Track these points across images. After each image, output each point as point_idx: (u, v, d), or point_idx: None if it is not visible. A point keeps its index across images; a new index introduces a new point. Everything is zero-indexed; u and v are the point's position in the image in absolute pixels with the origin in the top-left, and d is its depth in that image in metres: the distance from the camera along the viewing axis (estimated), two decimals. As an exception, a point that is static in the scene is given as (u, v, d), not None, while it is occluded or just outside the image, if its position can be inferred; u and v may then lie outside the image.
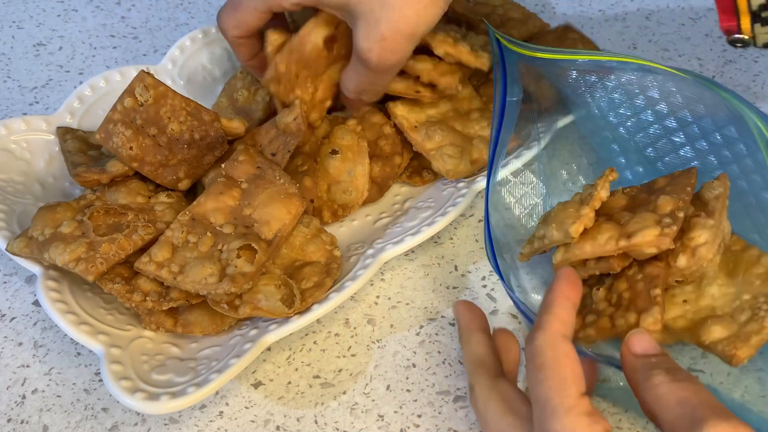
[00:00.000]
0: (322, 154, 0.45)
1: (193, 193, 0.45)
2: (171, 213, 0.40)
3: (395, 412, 0.37)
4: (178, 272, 0.37)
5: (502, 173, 0.44)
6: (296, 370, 0.39)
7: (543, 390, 0.29)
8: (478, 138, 0.46)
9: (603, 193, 0.37)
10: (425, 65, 0.45)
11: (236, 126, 0.44)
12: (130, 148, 0.40)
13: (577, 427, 0.27)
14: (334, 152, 0.45)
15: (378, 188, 0.46)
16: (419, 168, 0.48)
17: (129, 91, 0.41)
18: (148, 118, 0.41)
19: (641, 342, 0.31)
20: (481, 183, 0.44)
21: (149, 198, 0.42)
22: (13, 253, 0.38)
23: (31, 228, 0.39)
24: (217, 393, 0.38)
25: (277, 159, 0.43)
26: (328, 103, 0.45)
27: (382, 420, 0.37)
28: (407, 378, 0.38)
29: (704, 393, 0.28)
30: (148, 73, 0.41)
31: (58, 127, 0.46)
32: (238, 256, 0.37)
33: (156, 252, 0.38)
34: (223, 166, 0.42)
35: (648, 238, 0.34)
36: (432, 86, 0.45)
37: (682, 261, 0.35)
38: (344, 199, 0.45)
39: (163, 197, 0.42)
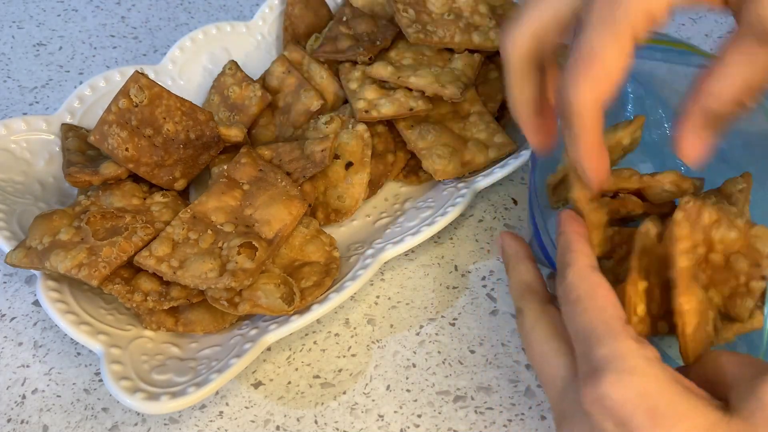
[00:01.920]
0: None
1: (186, 192, 0.45)
2: (168, 212, 0.41)
3: (395, 412, 0.37)
4: (178, 267, 0.37)
5: (499, 173, 0.44)
6: (296, 370, 0.39)
7: (583, 321, 0.27)
8: (473, 140, 0.46)
9: (626, 140, 0.36)
10: (427, 79, 0.45)
11: (235, 134, 0.44)
12: (126, 150, 0.40)
13: (626, 352, 0.26)
14: (336, 157, 0.45)
15: (371, 185, 0.46)
16: (416, 167, 0.48)
17: (124, 92, 0.41)
18: (143, 119, 0.41)
19: None
20: (480, 183, 0.44)
21: (144, 199, 0.42)
22: (13, 265, 0.38)
23: (28, 238, 0.39)
24: (217, 393, 0.38)
25: (291, 177, 0.43)
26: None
27: (382, 420, 0.37)
28: (407, 378, 0.38)
29: (765, 362, 0.27)
30: (142, 73, 0.41)
31: (62, 124, 0.46)
32: (239, 253, 0.37)
33: (156, 247, 0.38)
34: (225, 167, 0.42)
35: (670, 177, 0.34)
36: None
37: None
38: (338, 204, 0.45)
39: (158, 197, 0.42)
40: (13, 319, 0.42)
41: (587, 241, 0.31)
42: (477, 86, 0.50)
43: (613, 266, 0.36)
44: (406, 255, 0.44)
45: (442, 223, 0.42)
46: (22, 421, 0.37)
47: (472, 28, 0.48)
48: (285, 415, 0.37)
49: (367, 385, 0.38)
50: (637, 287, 0.30)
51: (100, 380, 0.39)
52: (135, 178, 0.42)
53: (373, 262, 0.40)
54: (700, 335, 0.30)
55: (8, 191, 0.43)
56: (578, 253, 0.30)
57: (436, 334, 0.40)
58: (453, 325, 0.41)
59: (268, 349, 0.40)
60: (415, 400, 0.38)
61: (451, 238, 0.45)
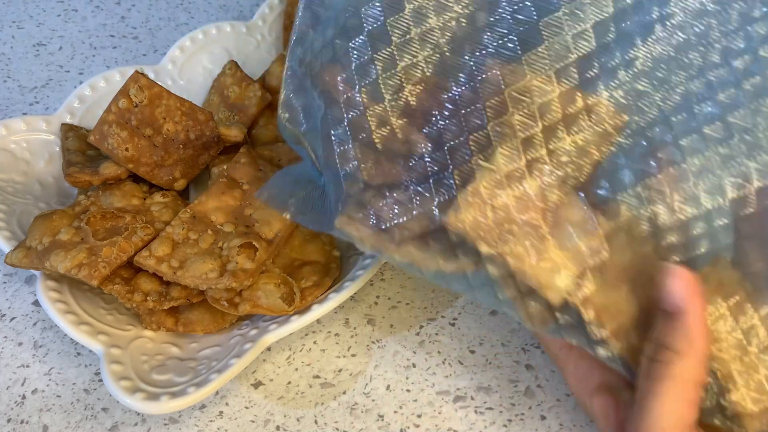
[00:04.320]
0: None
1: (185, 192, 0.45)
2: (168, 212, 0.41)
3: (395, 412, 0.37)
4: (178, 267, 0.37)
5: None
6: (296, 370, 0.39)
7: None
8: None
9: None
10: None
11: (234, 134, 0.44)
12: (126, 149, 0.40)
13: None
14: None
15: None
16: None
17: (123, 92, 0.41)
18: (143, 119, 0.41)
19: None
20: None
21: (144, 199, 0.42)
22: (13, 265, 0.38)
23: (28, 238, 0.39)
24: (217, 393, 0.38)
25: None
26: None
27: (382, 420, 0.37)
28: (407, 378, 0.38)
29: None
30: (142, 73, 0.41)
31: (62, 124, 0.46)
32: (239, 253, 0.37)
33: (156, 247, 0.38)
34: (225, 167, 0.42)
35: None
36: None
37: None
38: None
39: (158, 197, 0.42)
40: (13, 319, 0.42)
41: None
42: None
43: None
44: (406, 255, 0.44)
45: (442, 223, 0.42)
46: (22, 421, 0.37)
47: None
48: (285, 415, 0.37)
49: (367, 385, 0.38)
50: None
51: (100, 380, 0.39)
52: (135, 178, 0.42)
53: (374, 262, 0.40)
54: None
55: (8, 191, 0.43)
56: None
57: (436, 334, 0.40)
58: (453, 325, 0.41)
59: (268, 349, 0.40)
60: (415, 400, 0.37)
61: (451, 238, 0.45)
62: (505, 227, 0.29)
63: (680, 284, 0.27)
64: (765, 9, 0.28)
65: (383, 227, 0.30)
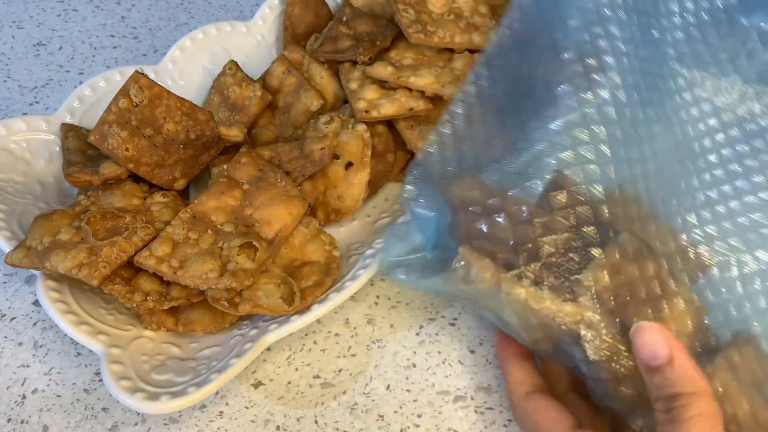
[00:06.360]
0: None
1: (185, 192, 0.45)
2: (168, 212, 0.41)
3: (395, 412, 0.37)
4: (179, 267, 0.37)
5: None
6: (296, 370, 0.39)
7: None
8: None
9: None
10: (428, 79, 0.45)
11: (235, 134, 0.44)
12: (126, 149, 0.40)
13: None
14: (336, 157, 0.45)
15: (371, 185, 0.46)
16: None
17: (123, 92, 0.41)
18: (143, 119, 0.41)
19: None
20: (481, 183, 0.44)
21: (144, 199, 0.42)
22: (13, 265, 0.38)
23: (28, 238, 0.39)
24: (217, 393, 0.38)
25: (290, 176, 0.43)
26: None
27: (382, 420, 0.37)
28: (407, 378, 0.38)
29: None
30: (142, 73, 0.41)
31: (62, 124, 0.46)
32: (239, 253, 0.37)
33: (156, 247, 0.38)
34: (225, 167, 0.42)
35: None
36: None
37: None
38: (338, 204, 0.45)
39: (158, 197, 0.42)
40: (13, 319, 0.42)
41: (519, 363, 0.35)
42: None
43: None
44: (406, 255, 0.44)
45: (442, 223, 0.42)
46: (22, 421, 0.37)
47: (473, 29, 0.48)
48: (285, 415, 0.37)
49: (367, 385, 0.38)
50: None
51: (100, 380, 0.39)
52: (135, 178, 0.42)
53: (374, 262, 0.40)
54: None
55: (8, 191, 0.43)
56: (508, 381, 0.35)
57: (436, 334, 0.40)
58: (453, 325, 0.41)
59: (268, 349, 0.40)
60: (415, 400, 0.37)
61: (451, 238, 0.45)
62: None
63: (656, 336, 0.29)
64: None
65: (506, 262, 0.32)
